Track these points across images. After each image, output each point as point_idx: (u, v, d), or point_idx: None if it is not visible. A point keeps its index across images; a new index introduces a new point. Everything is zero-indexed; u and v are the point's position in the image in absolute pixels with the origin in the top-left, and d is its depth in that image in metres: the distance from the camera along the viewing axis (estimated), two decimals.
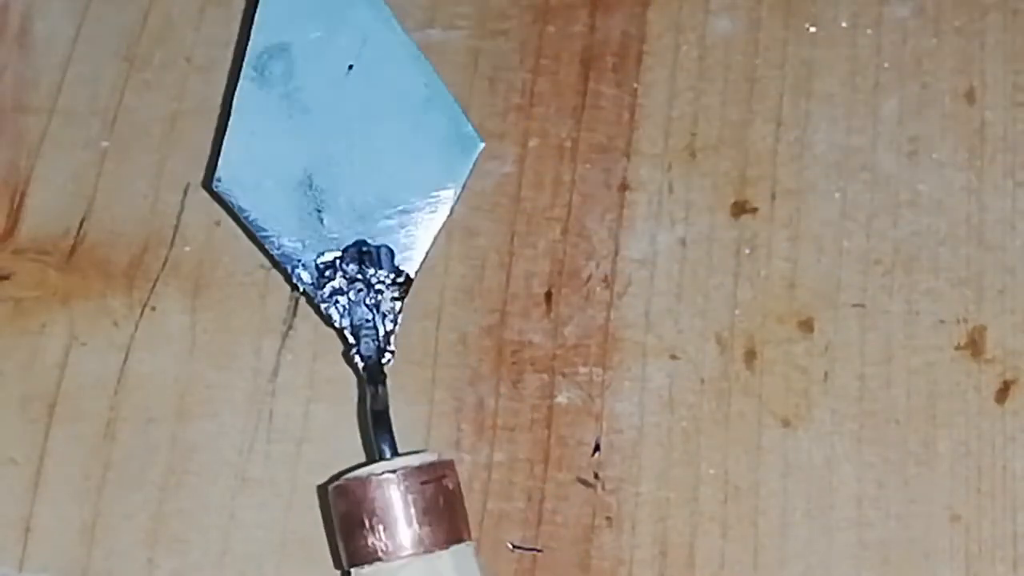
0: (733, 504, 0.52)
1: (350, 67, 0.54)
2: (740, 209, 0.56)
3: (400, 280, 0.53)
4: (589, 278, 0.55)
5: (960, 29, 0.57)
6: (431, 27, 0.58)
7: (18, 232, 0.56)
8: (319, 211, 0.53)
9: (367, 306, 0.52)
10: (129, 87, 0.58)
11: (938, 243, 0.55)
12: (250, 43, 0.54)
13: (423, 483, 0.48)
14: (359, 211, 0.53)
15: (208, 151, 0.57)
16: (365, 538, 0.48)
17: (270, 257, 0.54)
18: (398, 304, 0.53)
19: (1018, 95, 0.57)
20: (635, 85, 0.57)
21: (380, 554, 0.48)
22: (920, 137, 0.56)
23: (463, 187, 0.53)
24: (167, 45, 0.58)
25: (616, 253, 0.55)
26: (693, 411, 0.53)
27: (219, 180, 0.53)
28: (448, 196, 0.53)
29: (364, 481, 0.48)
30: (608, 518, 0.52)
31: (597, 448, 0.53)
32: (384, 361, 0.52)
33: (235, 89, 0.53)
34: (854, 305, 0.54)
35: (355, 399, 0.53)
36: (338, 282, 0.53)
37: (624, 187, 0.56)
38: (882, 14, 0.58)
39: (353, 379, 0.54)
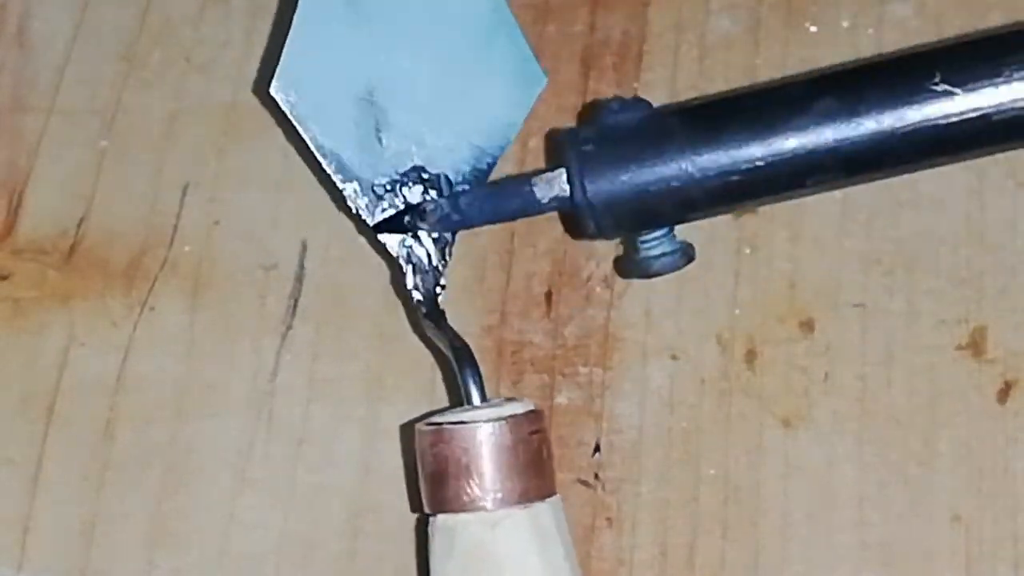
0: (733, 504, 0.52)
1: None
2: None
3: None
4: (589, 278, 0.55)
5: (961, 28, 0.57)
6: None
7: (17, 232, 0.56)
8: (378, 129, 0.52)
9: (423, 236, 0.52)
10: (128, 87, 0.58)
11: (939, 243, 0.55)
12: None
13: (530, 433, 0.48)
14: (419, 134, 0.52)
15: (208, 151, 0.57)
16: (463, 487, 0.47)
17: (321, 175, 0.53)
18: (451, 237, 0.52)
19: None
20: (635, 85, 0.57)
21: (478, 504, 0.47)
22: None
23: (523, 121, 0.53)
24: (166, 44, 0.58)
25: (616, 253, 0.55)
26: (693, 411, 0.53)
27: (277, 85, 0.51)
28: (509, 129, 0.53)
29: (462, 428, 0.47)
30: (608, 519, 0.52)
31: (597, 448, 0.53)
32: (438, 292, 0.52)
33: None
34: (855, 305, 0.54)
35: (355, 399, 0.53)
36: (395, 208, 0.52)
37: None
38: (883, 14, 0.58)
39: (353, 379, 0.54)
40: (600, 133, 0.49)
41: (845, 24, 0.58)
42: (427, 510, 0.48)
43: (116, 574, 0.52)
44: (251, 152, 0.57)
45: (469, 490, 0.47)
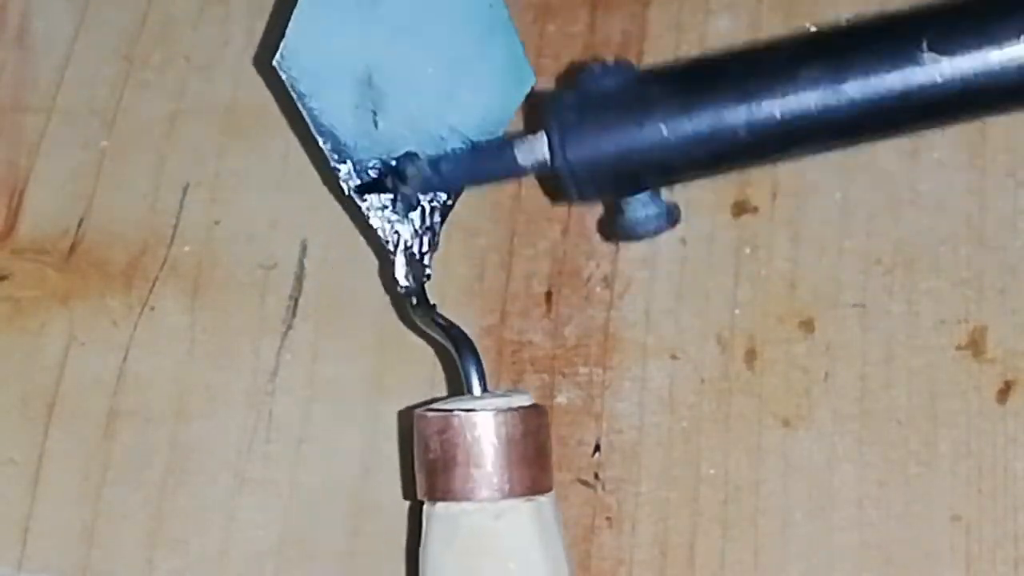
0: (733, 504, 0.52)
1: None
2: (740, 209, 0.55)
3: (448, 201, 0.52)
4: (589, 278, 0.55)
5: None
6: None
7: (17, 232, 0.56)
8: (374, 112, 0.52)
9: (410, 222, 0.52)
10: (128, 87, 0.58)
11: (939, 243, 0.55)
12: None
13: (537, 426, 0.48)
14: (414, 121, 0.52)
15: (208, 151, 0.57)
16: (467, 475, 0.47)
17: (317, 152, 0.52)
18: (438, 226, 0.52)
19: None
20: None
21: (484, 493, 0.47)
22: (921, 136, 0.56)
23: (514, 113, 0.53)
24: (166, 45, 0.58)
25: (616, 253, 0.55)
26: (693, 411, 0.53)
27: (282, 58, 0.51)
28: (498, 124, 0.53)
29: (467, 417, 0.47)
30: (608, 518, 0.52)
31: (597, 448, 0.53)
32: (424, 281, 0.52)
33: None
34: (855, 305, 0.54)
35: (355, 399, 0.53)
36: (385, 192, 0.52)
37: None
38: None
39: (353, 379, 0.54)
40: (582, 97, 0.49)
41: (845, 23, 0.58)
42: (426, 498, 0.48)
43: (116, 574, 0.52)
44: (251, 152, 0.57)
45: (474, 479, 0.47)
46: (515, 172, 0.50)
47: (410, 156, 0.52)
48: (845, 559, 0.51)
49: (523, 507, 0.47)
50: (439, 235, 0.52)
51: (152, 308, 0.55)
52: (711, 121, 0.47)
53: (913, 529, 0.51)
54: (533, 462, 0.47)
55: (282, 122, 0.57)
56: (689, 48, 0.57)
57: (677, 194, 0.55)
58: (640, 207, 0.49)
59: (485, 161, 0.51)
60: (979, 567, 0.51)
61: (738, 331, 0.54)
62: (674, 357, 0.54)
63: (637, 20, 0.58)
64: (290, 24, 0.51)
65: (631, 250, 0.55)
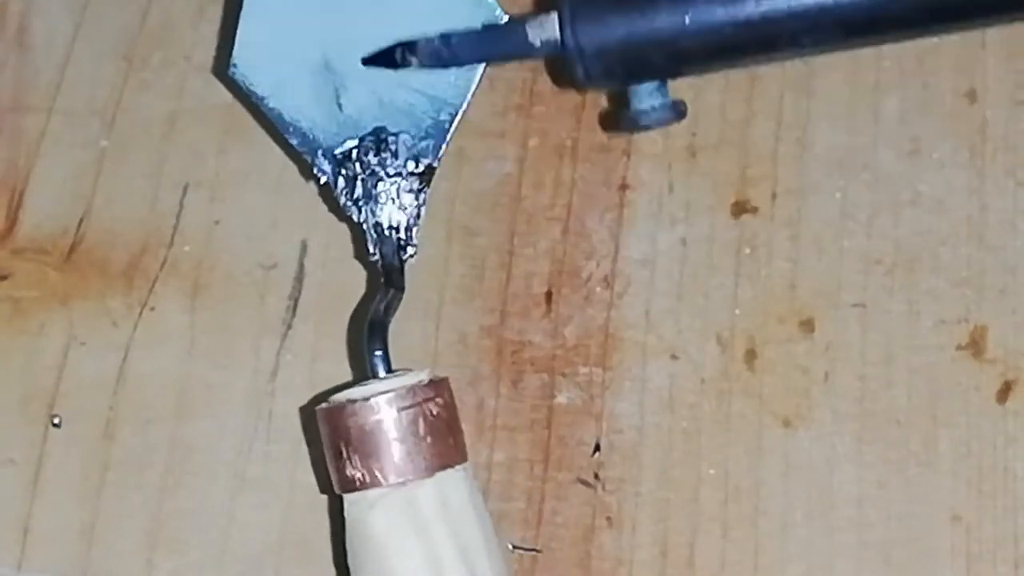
0: (733, 504, 0.52)
1: None
2: (740, 209, 0.55)
3: (420, 170, 0.52)
4: (589, 278, 0.55)
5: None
6: None
7: (17, 232, 0.56)
8: (337, 95, 0.52)
9: (387, 199, 0.52)
10: (128, 87, 0.58)
11: (939, 243, 0.55)
12: None
13: (403, 408, 0.47)
14: (378, 94, 0.52)
15: (208, 151, 0.57)
16: (345, 467, 0.47)
17: (288, 148, 0.53)
18: (421, 195, 0.52)
19: (1019, 94, 0.56)
20: None
21: (359, 483, 0.47)
22: (921, 136, 0.56)
23: (484, 70, 0.52)
24: (166, 44, 0.58)
25: (616, 253, 0.55)
26: (693, 411, 0.53)
27: (235, 66, 0.52)
28: (470, 74, 0.52)
29: (342, 407, 0.47)
30: (608, 518, 0.52)
31: (597, 448, 0.53)
32: (405, 258, 0.51)
33: None
34: (855, 305, 0.54)
35: None
36: (357, 173, 0.52)
37: (624, 187, 0.56)
38: None
39: (352, 380, 0.54)
40: None
41: None
42: (335, 490, 0.49)
43: (116, 574, 0.51)
44: (251, 152, 0.56)
45: (347, 469, 0.47)
46: (526, 51, 0.49)
47: (383, 140, 0.52)
48: (845, 559, 0.51)
49: (394, 496, 0.46)
50: (421, 207, 0.52)
51: (152, 308, 0.55)
52: (724, 5, 0.46)
53: (913, 529, 0.51)
54: (407, 448, 0.47)
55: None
56: None
57: (677, 193, 0.56)
58: (646, 97, 0.49)
59: (497, 39, 0.50)
60: (979, 567, 0.51)
61: (738, 331, 0.54)
62: (674, 357, 0.54)
63: None
64: (238, 30, 0.52)
65: (631, 250, 0.55)
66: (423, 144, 0.52)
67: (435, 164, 0.52)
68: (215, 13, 0.59)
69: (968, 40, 0.57)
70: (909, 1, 0.46)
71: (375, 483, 0.47)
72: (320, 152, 0.52)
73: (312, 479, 0.52)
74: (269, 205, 0.56)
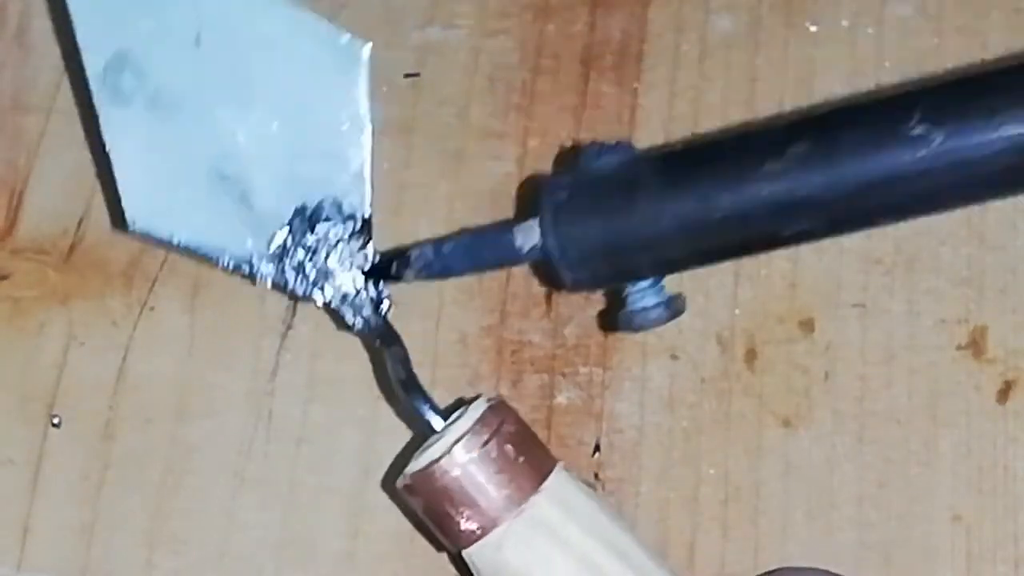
0: (734, 504, 0.52)
1: (198, 39, 0.49)
2: None
3: (359, 227, 0.51)
4: None
5: (961, 28, 0.57)
6: (431, 26, 0.58)
7: (17, 232, 0.56)
8: (244, 198, 0.50)
9: (342, 267, 0.51)
10: None
11: (939, 242, 0.55)
12: (87, 69, 0.50)
13: (484, 444, 0.46)
14: (283, 177, 0.50)
15: None
16: (457, 524, 0.46)
17: (224, 270, 0.52)
18: (368, 249, 0.51)
19: None
20: (635, 85, 0.57)
21: (479, 534, 0.46)
22: None
23: (368, 101, 0.50)
24: None
25: None
26: (693, 411, 0.53)
27: (133, 222, 0.50)
28: (360, 114, 0.50)
29: (430, 472, 0.46)
30: None
31: (597, 448, 0.53)
32: (384, 313, 0.51)
33: (98, 125, 0.50)
34: (855, 305, 0.54)
35: (355, 399, 0.53)
36: (301, 260, 0.51)
37: None
38: (883, 13, 0.58)
39: (352, 379, 0.54)
40: (575, 180, 0.47)
41: (845, 23, 0.58)
42: (450, 550, 0.48)
43: (116, 574, 0.51)
44: None
45: (461, 525, 0.46)
46: (514, 258, 0.48)
47: (309, 218, 0.51)
48: (845, 559, 0.51)
49: (517, 526, 0.46)
50: (375, 256, 0.51)
51: (152, 308, 0.55)
52: (699, 204, 0.45)
53: (913, 529, 0.51)
54: (503, 477, 0.46)
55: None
56: (689, 48, 0.57)
57: None
58: (638, 297, 0.48)
59: (486, 247, 0.49)
60: (979, 567, 0.51)
61: (738, 331, 0.54)
62: (674, 357, 0.54)
63: (637, 20, 0.58)
64: (118, 184, 0.50)
65: None
66: (349, 200, 0.51)
67: (367, 215, 0.51)
68: None
69: (969, 40, 0.57)
70: (891, 192, 0.43)
71: (495, 524, 0.46)
72: (257, 260, 0.51)
73: (312, 479, 0.52)
74: None
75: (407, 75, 0.58)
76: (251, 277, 0.51)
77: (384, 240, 0.54)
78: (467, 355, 0.54)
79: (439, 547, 0.50)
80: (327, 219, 0.51)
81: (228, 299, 0.55)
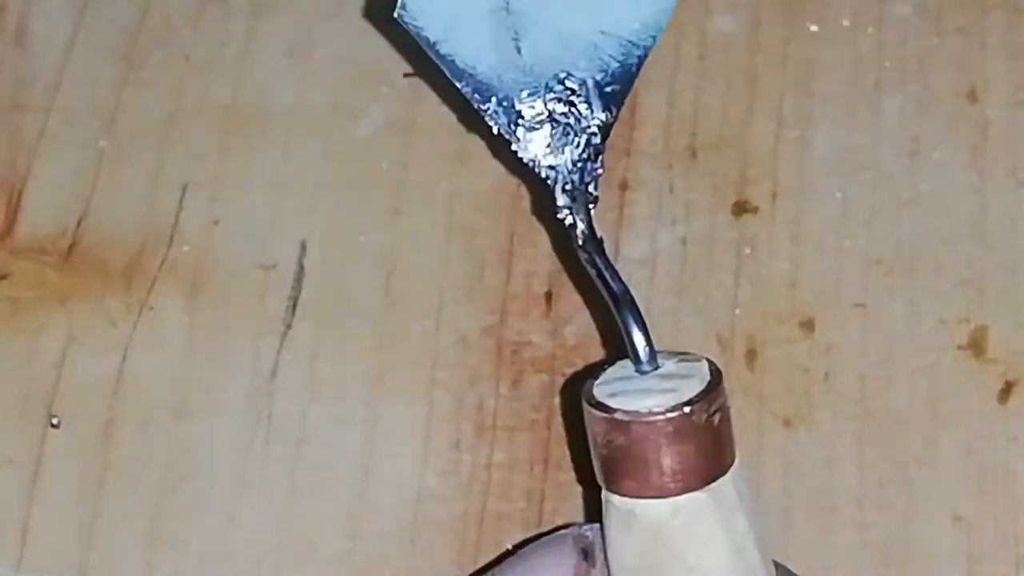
0: None
1: None
2: (741, 208, 0.55)
3: (607, 119, 0.48)
4: None
5: (962, 28, 0.57)
6: None
7: (16, 232, 0.56)
8: (516, 39, 0.48)
9: (573, 151, 0.48)
10: (127, 86, 0.58)
11: (940, 243, 0.55)
12: None
13: (712, 414, 0.44)
14: (561, 36, 0.48)
15: (208, 151, 0.57)
16: (647, 477, 0.44)
17: (461, 97, 0.49)
18: (603, 147, 0.48)
19: (1020, 94, 0.56)
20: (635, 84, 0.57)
21: (669, 491, 0.43)
22: (922, 136, 0.56)
23: (673, 10, 0.49)
24: (165, 44, 0.58)
25: (616, 253, 0.55)
26: None
27: (403, 8, 0.47)
28: (662, 12, 0.48)
29: (649, 420, 0.43)
30: None
31: None
32: (592, 208, 0.48)
33: None
34: (855, 305, 0.54)
35: (355, 399, 0.53)
36: (539, 124, 0.48)
37: (624, 186, 0.56)
38: (884, 13, 0.58)
39: (353, 379, 0.53)
40: None
41: (846, 23, 0.58)
42: (602, 486, 0.45)
43: (116, 574, 0.51)
44: (251, 152, 0.57)
45: (646, 479, 0.44)
46: None
47: (566, 87, 0.48)
48: (846, 560, 0.51)
49: (701, 499, 0.44)
50: (603, 156, 0.49)
51: (151, 308, 0.54)
52: None
53: (913, 529, 0.51)
54: (710, 449, 0.44)
55: (282, 122, 0.57)
56: (689, 48, 0.57)
57: (677, 193, 0.56)
58: None
59: None
60: (980, 567, 0.51)
61: (738, 331, 0.54)
62: None
63: None
64: None
65: (631, 250, 0.55)
66: (609, 91, 0.49)
67: (615, 117, 0.49)
68: (215, 13, 0.59)
69: (969, 40, 0.57)
70: None
71: (687, 489, 0.44)
72: (497, 101, 0.48)
73: (312, 479, 0.52)
74: (269, 205, 0.56)
75: (407, 75, 0.58)
76: (481, 112, 0.49)
77: (383, 239, 0.54)
78: (467, 355, 0.54)
79: (581, 477, 0.49)
80: (588, 100, 0.48)
81: (228, 299, 0.55)
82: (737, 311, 0.54)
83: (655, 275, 0.55)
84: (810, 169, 0.56)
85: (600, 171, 0.48)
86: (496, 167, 0.56)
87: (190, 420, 0.53)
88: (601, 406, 0.44)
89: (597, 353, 0.54)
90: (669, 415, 0.43)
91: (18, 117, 0.57)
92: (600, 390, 0.45)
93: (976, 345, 0.53)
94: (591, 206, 0.48)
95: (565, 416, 0.52)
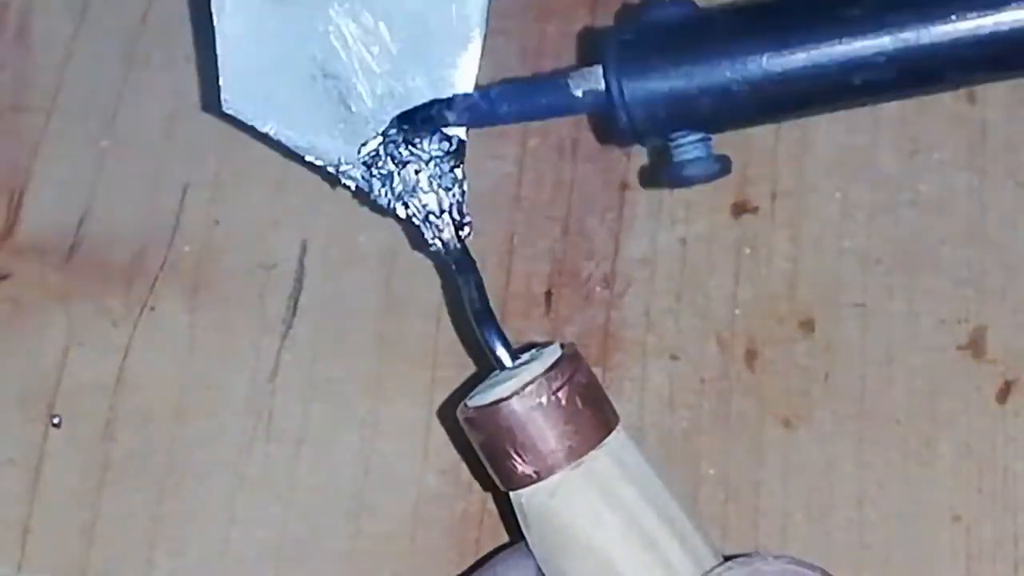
0: (733, 504, 0.52)
1: None
2: (740, 209, 0.55)
3: (454, 147, 0.50)
4: (589, 278, 0.55)
5: None
6: None
7: (17, 232, 0.56)
8: (343, 99, 0.50)
9: (430, 186, 0.50)
10: (128, 86, 0.58)
11: (939, 243, 0.55)
12: None
13: (556, 390, 0.45)
14: (385, 83, 0.50)
15: (207, 150, 0.57)
16: (513, 465, 0.45)
17: (309, 166, 0.51)
18: (459, 171, 0.50)
19: (1020, 95, 0.56)
20: None
21: (535, 477, 0.45)
22: (921, 137, 0.56)
23: (485, 21, 0.50)
24: (166, 44, 0.58)
25: (616, 253, 0.55)
26: (693, 411, 0.53)
27: (226, 100, 0.49)
28: (472, 33, 0.50)
29: (496, 409, 0.45)
30: None
31: None
32: (464, 236, 0.50)
33: (208, 1, 0.50)
34: (855, 305, 0.54)
35: (355, 399, 0.53)
36: (391, 170, 0.50)
37: (624, 187, 0.56)
38: None
39: (353, 379, 0.54)
40: (639, 30, 0.48)
41: None
42: (500, 487, 0.47)
43: (116, 574, 0.51)
44: (251, 152, 0.56)
45: (514, 468, 0.45)
46: (569, 105, 0.48)
47: (405, 131, 0.50)
48: (845, 559, 0.51)
49: (572, 476, 0.45)
50: (463, 182, 0.50)
51: (152, 308, 0.55)
52: (771, 58, 0.46)
53: (913, 529, 0.51)
54: (567, 426, 0.45)
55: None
56: None
57: (677, 193, 0.56)
58: (691, 150, 0.48)
59: (539, 93, 0.49)
60: (979, 567, 0.51)
61: (738, 331, 0.54)
62: (674, 357, 0.54)
63: None
64: (219, 61, 0.49)
65: (631, 250, 0.55)
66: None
67: (464, 136, 0.50)
68: None
69: None
70: (970, 47, 0.45)
71: (551, 471, 0.45)
72: (344, 163, 0.50)
73: (312, 479, 0.52)
74: (269, 205, 0.56)
75: None
76: (335, 178, 0.50)
77: (383, 239, 0.54)
78: (467, 355, 0.54)
79: (487, 485, 0.50)
80: (426, 135, 0.50)
81: (228, 299, 0.55)
82: (737, 311, 0.54)
83: (655, 275, 0.55)
84: (810, 169, 0.56)
85: (459, 197, 0.50)
86: (496, 167, 0.56)
87: (190, 420, 0.53)
88: (465, 407, 0.46)
89: (597, 353, 0.54)
90: (508, 400, 0.45)
91: (19, 117, 0.57)
92: (468, 400, 0.47)
93: (975, 345, 0.53)
94: (461, 232, 0.50)
95: None
